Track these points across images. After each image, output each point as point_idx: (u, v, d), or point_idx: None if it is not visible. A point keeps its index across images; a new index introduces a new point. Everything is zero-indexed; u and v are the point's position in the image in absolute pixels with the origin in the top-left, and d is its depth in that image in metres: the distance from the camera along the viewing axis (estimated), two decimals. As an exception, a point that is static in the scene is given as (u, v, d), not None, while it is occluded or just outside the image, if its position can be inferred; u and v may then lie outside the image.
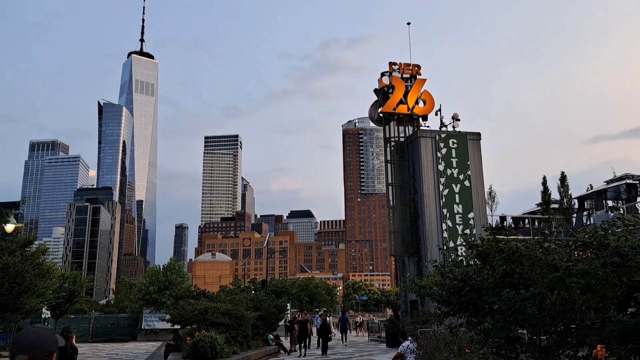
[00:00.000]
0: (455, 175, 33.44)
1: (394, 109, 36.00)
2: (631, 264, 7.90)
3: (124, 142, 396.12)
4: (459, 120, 35.59)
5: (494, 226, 36.16)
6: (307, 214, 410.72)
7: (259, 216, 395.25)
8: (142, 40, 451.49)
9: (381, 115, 36.80)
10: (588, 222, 34.85)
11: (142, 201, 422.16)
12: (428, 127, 36.10)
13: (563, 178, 37.47)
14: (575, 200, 38.46)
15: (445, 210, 32.70)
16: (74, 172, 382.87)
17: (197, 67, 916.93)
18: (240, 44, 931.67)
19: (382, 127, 37.73)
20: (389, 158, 36.38)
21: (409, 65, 37.05)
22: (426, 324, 23.68)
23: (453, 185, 33.24)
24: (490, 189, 39.51)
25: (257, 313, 26.16)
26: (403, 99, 36.05)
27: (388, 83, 36.70)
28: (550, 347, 9.04)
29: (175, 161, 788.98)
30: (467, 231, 31.26)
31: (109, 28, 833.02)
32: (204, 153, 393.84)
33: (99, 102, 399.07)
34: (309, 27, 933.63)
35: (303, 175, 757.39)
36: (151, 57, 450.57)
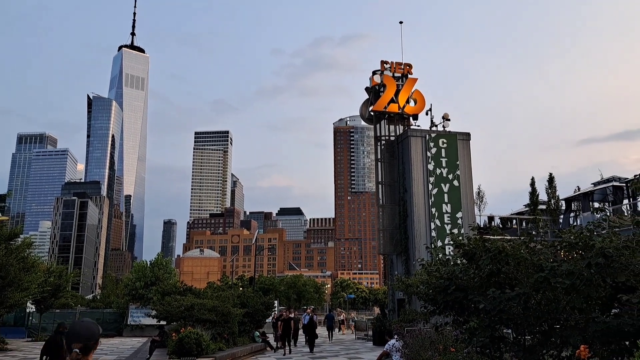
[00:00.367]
0: (444, 175, 33.58)
1: (385, 107, 36.05)
2: (615, 265, 7.95)
3: (113, 136, 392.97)
4: (449, 120, 35.74)
5: (482, 226, 36.39)
6: (297, 211, 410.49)
7: (248, 213, 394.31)
8: (133, 34, 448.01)
9: (372, 113, 36.84)
10: (575, 224, 35.18)
11: (130, 196, 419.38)
12: (418, 126, 36.24)
13: (551, 179, 37.79)
14: (563, 202, 38.81)
15: (434, 210, 32.82)
16: (62, 166, 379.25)
17: (188, 61, 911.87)
18: (231, 39, 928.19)
19: (373, 126, 37.77)
20: (379, 157, 36.44)
21: (400, 64, 37.11)
22: (413, 323, 23.76)
23: (442, 184, 33.37)
24: (479, 189, 39.74)
25: (244, 310, 26.07)
26: (394, 98, 36.11)
27: (379, 82, 36.74)
28: (534, 347, 9.08)
29: (164, 156, 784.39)
30: (455, 231, 31.36)
31: (100, 21, 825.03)
32: (194, 148, 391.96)
33: (88, 96, 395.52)
34: (302, 23, 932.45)
35: (293, 173, 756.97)
36: (142, 51, 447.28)
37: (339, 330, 47.03)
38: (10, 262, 26.14)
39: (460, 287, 9.61)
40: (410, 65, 37.29)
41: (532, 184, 37.87)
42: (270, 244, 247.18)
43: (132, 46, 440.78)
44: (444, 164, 33.75)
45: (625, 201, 34.77)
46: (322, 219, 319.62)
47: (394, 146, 35.90)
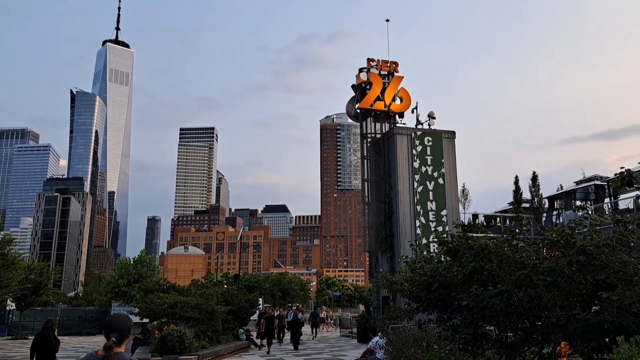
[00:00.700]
0: (429, 173, 33.72)
1: (371, 105, 36.07)
2: (596, 263, 8.01)
3: (96, 131, 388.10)
4: (434, 118, 35.85)
5: (466, 224, 36.63)
6: (283, 208, 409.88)
7: (233, 210, 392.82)
8: (117, 28, 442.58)
9: (358, 111, 36.84)
10: (557, 222, 35.57)
11: (113, 192, 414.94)
12: (404, 124, 36.30)
13: (534, 178, 38.16)
14: (546, 200, 39.23)
15: (419, 207, 32.95)
16: (44, 162, 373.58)
17: (173, 57, 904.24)
18: (217, 35, 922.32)
19: (359, 123, 37.78)
20: (365, 154, 36.46)
21: (386, 62, 37.14)
22: (397, 320, 23.82)
23: (427, 182, 33.51)
24: (464, 187, 39.97)
25: (228, 307, 25.91)
26: (380, 96, 36.14)
27: (366, 79, 36.73)
28: (516, 344, 9.13)
29: (149, 152, 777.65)
30: (440, 228, 31.55)
31: (84, 15, 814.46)
32: (179, 145, 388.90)
33: (71, 91, 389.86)
34: (288, 20, 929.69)
35: (279, 170, 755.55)
36: (127, 46, 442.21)
37: (321, 328, 47.10)
38: (-11, 259, 25.65)
39: (444, 284, 9.62)
40: (396, 63, 37.35)
41: (516, 182, 38.22)
42: (255, 242, 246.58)
43: (116, 41, 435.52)
44: (429, 162, 33.90)
45: (607, 200, 35.25)
46: (308, 216, 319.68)
47: (380, 144, 35.95)
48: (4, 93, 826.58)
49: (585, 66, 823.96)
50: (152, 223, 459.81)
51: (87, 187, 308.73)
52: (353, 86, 37.84)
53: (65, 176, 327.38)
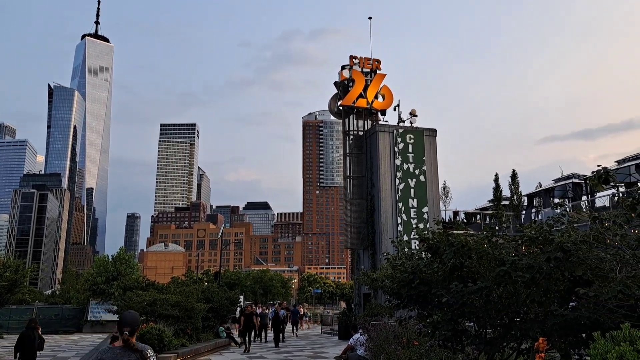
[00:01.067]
0: (411, 170, 33.89)
1: (354, 102, 36.09)
2: (573, 260, 8.10)
3: (74, 127, 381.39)
4: (416, 116, 36.05)
5: (447, 221, 36.92)
6: (264, 205, 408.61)
7: (214, 207, 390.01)
8: (97, 22, 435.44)
9: (341, 108, 36.83)
10: (536, 219, 36.06)
11: (92, 189, 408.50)
12: (386, 121, 36.40)
13: (514, 176, 38.66)
14: (525, 198, 39.77)
15: (400, 204, 33.10)
16: (21, 157, 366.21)
17: (154, 53, 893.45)
18: (199, 31, 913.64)
19: (342, 120, 37.78)
20: (347, 151, 36.48)
21: (369, 59, 37.18)
22: (377, 317, 23.90)
23: (409, 179, 33.67)
24: (445, 184, 40.35)
25: (208, 305, 25.72)
26: (363, 93, 36.18)
27: (348, 76, 36.73)
28: (495, 340, 9.21)
29: (128, 148, 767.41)
30: (421, 225, 31.74)
31: (62, 8, 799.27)
32: (160, 141, 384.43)
33: (49, 85, 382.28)
34: (271, 16, 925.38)
35: (261, 167, 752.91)
36: (106, 40, 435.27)
37: (299, 326, 47.08)
38: (-38, 257, 25.04)
39: (425, 281, 9.65)
40: (378, 61, 37.42)
41: (496, 180, 38.69)
42: (236, 239, 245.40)
43: (96, 35, 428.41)
44: (410, 159, 34.06)
45: (584, 197, 35.86)
46: (289, 213, 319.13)
47: (363, 141, 36.01)
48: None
49: (564, 66, 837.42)
50: (132, 220, 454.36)
51: (65, 184, 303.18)
52: (336, 83, 37.81)
53: (43, 172, 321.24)
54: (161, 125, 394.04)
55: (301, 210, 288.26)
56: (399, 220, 32.80)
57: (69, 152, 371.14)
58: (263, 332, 29.82)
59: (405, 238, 30.76)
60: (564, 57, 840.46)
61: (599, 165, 8.29)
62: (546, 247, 8.33)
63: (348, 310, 34.30)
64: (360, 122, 36.89)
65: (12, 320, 39.61)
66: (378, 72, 37.00)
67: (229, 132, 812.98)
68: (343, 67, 37.32)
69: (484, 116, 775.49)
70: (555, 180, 39.58)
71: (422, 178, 33.92)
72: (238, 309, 34.30)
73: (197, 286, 31.97)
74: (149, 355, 4.88)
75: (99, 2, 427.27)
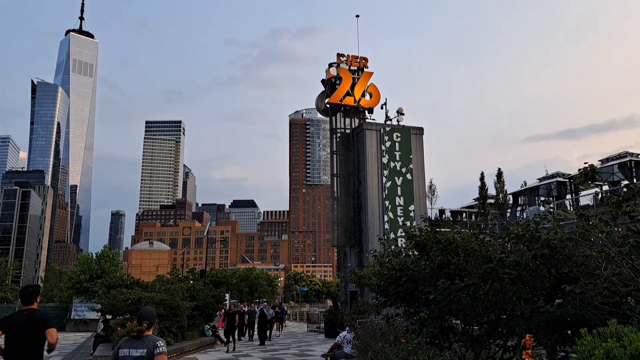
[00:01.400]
0: (398, 168, 33.96)
1: (341, 100, 36.04)
2: (559, 257, 8.13)
3: (58, 123, 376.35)
4: (403, 114, 36.12)
5: (433, 219, 37.09)
6: (251, 203, 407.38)
7: (200, 205, 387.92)
8: (81, 18, 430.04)
9: (328, 106, 36.75)
10: (521, 217, 36.39)
11: (76, 186, 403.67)
12: (373, 120, 36.42)
13: (499, 174, 38.95)
14: (510, 196, 40.09)
15: (387, 202, 33.15)
16: (3, 154, 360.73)
17: (139, 49, 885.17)
18: (185, 27, 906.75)
19: (328, 118, 37.71)
20: (334, 149, 36.44)
21: (356, 57, 37.16)
22: (364, 315, 23.91)
23: (396, 177, 33.74)
24: (431, 182, 40.53)
25: (194, 303, 25.50)
26: (350, 91, 36.15)
27: (335, 74, 36.66)
28: (482, 337, 9.22)
29: (113, 145, 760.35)
30: (408, 223, 31.73)
31: (46, 3, 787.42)
32: (145, 138, 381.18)
33: (32, 81, 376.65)
34: (258, 14, 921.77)
35: (247, 165, 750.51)
36: (91, 36, 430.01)
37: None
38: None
39: (412, 278, 9.63)
40: (366, 59, 37.42)
41: (482, 178, 38.93)
42: (222, 237, 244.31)
43: (80, 31, 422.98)
44: (397, 158, 34.13)
45: (568, 196, 36.26)
46: (276, 211, 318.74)
47: (350, 139, 36.00)
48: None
49: (549, 67, 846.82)
50: (116, 218, 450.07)
51: (48, 181, 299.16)
52: (323, 81, 37.73)
53: (25, 169, 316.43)
54: (146, 122, 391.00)
55: (287, 209, 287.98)
56: (386, 219, 32.85)
57: (53, 149, 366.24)
58: (250, 331, 29.68)
59: (392, 236, 30.84)
60: (549, 58, 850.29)
61: (585, 163, 8.32)
62: (533, 244, 8.35)
63: (334, 308, 34.30)
64: (348, 120, 36.87)
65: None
66: (365, 70, 37.00)
67: (215, 130, 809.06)
68: (330, 65, 37.24)
69: (470, 115, 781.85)
70: (540, 179, 39.97)
71: (408, 176, 34.00)
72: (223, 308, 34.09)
73: (182, 284, 31.67)
74: (159, 345, 5.60)
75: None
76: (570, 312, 7.71)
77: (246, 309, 30.85)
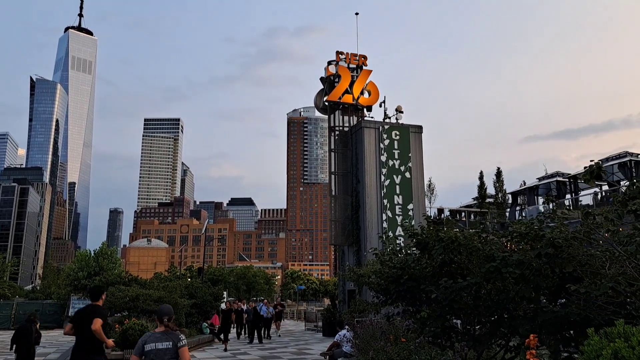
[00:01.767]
0: (396, 167, 33.84)
1: (340, 98, 35.91)
2: (564, 256, 8.03)
3: (57, 120, 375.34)
4: (402, 112, 36.02)
5: (432, 218, 37.01)
6: (248, 201, 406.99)
7: (198, 202, 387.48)
8: (80, 15, 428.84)
9: (326, 103, 36.62)
10: (520, 217, 36.33)
11: (74, 183, 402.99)
12: (372, 117, 36.32)
13: (499, 174, 38.88)
14: (509, 196, 40.01)
15: (385, 201, 33.04)
16: (2, 150, 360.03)
17: (138, 47, 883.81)
18: (183, 25, 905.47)
19: (327, 116, 37.59)
20: (332, 147, 36.31)
21: (355, 55, 37.03)
22: (363, 313, 23.83)
23: (394, 176, 33.63)
24: (430, 181, 40.46)
25: (192, 301, 25.42)
26: (349, 89, 36.03)
27: (334, 72, 36.53)
28: (484, 337, 9.12)
29: (111, 143, 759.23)
30: (406, 222, 31.69)
31: (45, 1, 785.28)
32: (143, 136, 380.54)
33: (31, 78, 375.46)
34: (256, 12, 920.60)
35: (245, 163, 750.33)
36: (90, 33, 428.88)
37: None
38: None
39: (413, 276, 9.52)
40: (365, 57, 37.29)
41: (481, 177, 38.89)
42: (220, 235, 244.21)
43: (79, 28, 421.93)
44: (396, 156, 34.01)
45: (568, 196, 36.20)
46: (273, 209, 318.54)
47: (348, 137, 35.87)
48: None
49: (546, 67, 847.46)
50: (114, 215, 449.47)
51: (46, 178, 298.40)
52: (322, 79, 37.59)
53: (24, 166, 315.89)
54: (145, 119, 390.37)
55: (285, 207, 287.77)
56: (384, 217, 32.75)
57: (51, 146, 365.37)
58: (248, 329, 29.49)
59: (391, 234, 30.71)
60: (546, 58, 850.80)
61: (591, 160, 8.23)
62: (536, 243, 8.24)
63: (332, 307, 34.19)
64: (346, 118, 36.75)
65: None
66: (364, 68, 36.88)
67: (213, 128, 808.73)
68: (329, 63, 37.11)
69: (469, 114, 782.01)
70: (540, 179, 39.89)
71: (407, 175, 33.90)
72: (223, 304, 33.96)
73: (180, 282, 31.58)
74: (182, 338, 6.13)
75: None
76: (575, 312, 7.60)
77: (245, 307, 30.70)
